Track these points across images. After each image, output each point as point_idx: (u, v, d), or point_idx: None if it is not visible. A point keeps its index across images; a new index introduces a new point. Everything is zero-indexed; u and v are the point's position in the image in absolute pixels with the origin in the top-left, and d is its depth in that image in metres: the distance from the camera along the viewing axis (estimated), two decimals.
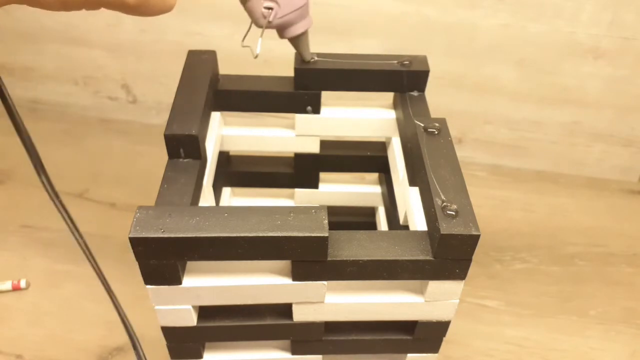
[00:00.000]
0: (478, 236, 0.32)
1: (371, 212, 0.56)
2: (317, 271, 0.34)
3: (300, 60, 0.45)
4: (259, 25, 0.39)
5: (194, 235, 0.31)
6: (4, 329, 0.54)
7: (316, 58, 0.45)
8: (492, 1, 0.63)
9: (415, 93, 0.46)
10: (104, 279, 0.36)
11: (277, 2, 0.38)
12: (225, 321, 0.38)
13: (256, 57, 0.40)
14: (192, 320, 0.37)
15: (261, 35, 0.40)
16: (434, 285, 0.35)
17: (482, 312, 0.58)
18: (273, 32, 0.41)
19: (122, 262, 0.60)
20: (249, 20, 0.40)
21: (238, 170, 0.52)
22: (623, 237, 0.67)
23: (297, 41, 0.43)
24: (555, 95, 0.70)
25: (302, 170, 0.52)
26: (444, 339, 0.40)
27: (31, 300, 0.56)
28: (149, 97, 0.77)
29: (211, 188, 0.44)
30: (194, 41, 0.70)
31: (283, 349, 0.42)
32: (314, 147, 0.49)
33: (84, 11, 0.27)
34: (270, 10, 0.38)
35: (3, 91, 0.29)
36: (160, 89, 0.76)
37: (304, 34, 0.43)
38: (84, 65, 0.75)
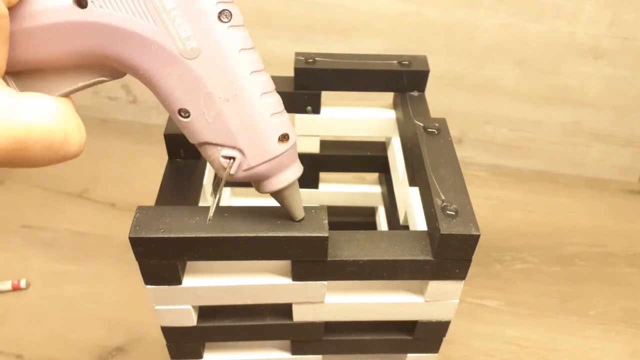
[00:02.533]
0: (478, 236, 0.32)
1: (371, 212, 0.56)
2: (317, 271, 0.34)
3: (302, 60, 0.45)
4: (220, 176, 0.30)
5: (194, 235, 0.31)
6: (4, 329, 0.54)
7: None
8: (492, 1, 0.63)
9: (415, 93, 0.46)
10: None
11: (241, 151, 0.28)
12: (225, 321, 0.38)
13: (209, 220, 0.31)
14: (192, 320, 0.37)
15: (218, 190, 0.30)
16: (434, 285, 0.35)
17: (482, 312, 0.58)
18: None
19: (122, 262, 0.60)
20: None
21: None
22: (623, 237, 0.67)
23: (281, 196, 0.31)
24: (555, 95, 0.70)
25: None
26: (444, 339, 0.40)
27: (31, 300, 0.56)
28: (149, 97, 0.77)
29: (211, 188, 0.44)
30: None
31: (283, 349, 0.42)
32: (314, 147, 0.49)
33: None
34: (231, 161, 0.29)
35: None
36: None
37: (291, 186, 0.31)
38: None
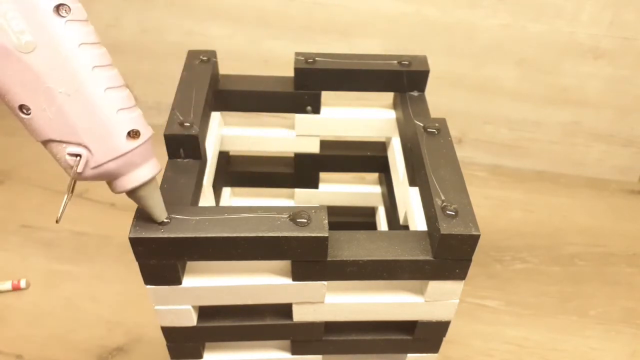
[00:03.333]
0: (478, 236, 0.32)
1: (371, 212, 0.56)
2: (317, 271, 0.34)
3: (302, 60, 0.45)
4: (69, 175, 0.29)
5: (194, 235, 0.31)
6: (4, 329, 0.54)
7: (169, 219, 0.32)
8: (492, 1, 0.63)
9: (415, 93, 0.46)
10: None
11: (87, 148, 0.27)
12: (225, 321, 0.38)
13: (57, 221, 0.30)
14: (192, 320, 0.37)
15: (69, 190, 0.30)
16: (434, 285, 0.35)
17: (482, 312, 0.58)
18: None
19: (122, 262, 0.60)
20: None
21: (238, 170, 0.52)
22: (623, 237, 0.67)
23: (136, 196, 0.31)
24: (555, 95, 0.70)
25: (302, 170, 0.52)
26: (444, 339, 0.40)
27: (31, 300, 0.56)
28: (149, 97, 0.77)
29: (211, 188, 0.44)
30: (194, 41, 0.70)
31: (283, 349, 0.42)
32: (314, 147, 0.49)
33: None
34: (77, 158, 0.28)
35: None
36: (160, 89, 0.76)
37: (146, 185, 0.30)
38: None
